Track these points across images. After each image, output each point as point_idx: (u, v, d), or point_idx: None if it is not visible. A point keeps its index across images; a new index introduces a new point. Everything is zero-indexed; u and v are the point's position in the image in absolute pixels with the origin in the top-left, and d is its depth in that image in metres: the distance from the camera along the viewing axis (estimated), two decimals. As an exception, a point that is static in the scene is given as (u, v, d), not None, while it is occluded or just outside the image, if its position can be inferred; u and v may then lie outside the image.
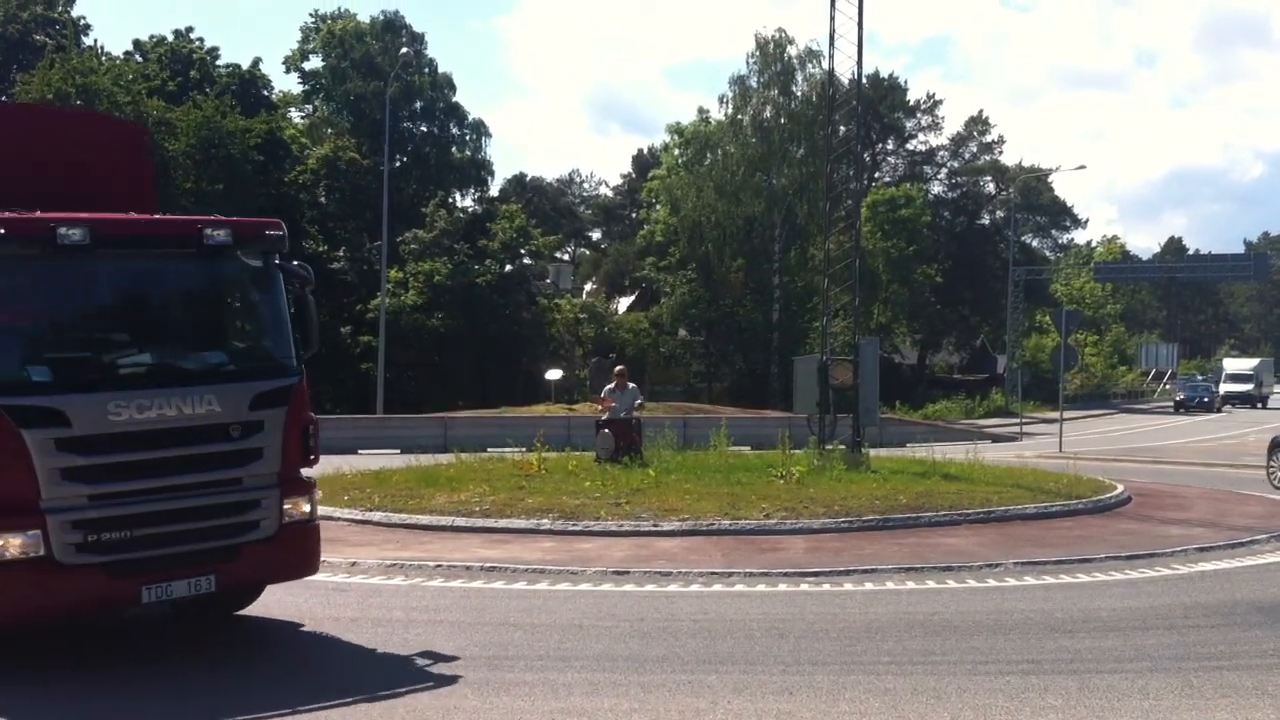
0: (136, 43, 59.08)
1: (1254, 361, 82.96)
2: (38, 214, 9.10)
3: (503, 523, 16.30)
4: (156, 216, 10.31)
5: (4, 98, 50.45)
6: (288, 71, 71.04)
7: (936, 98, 78.70)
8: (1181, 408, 66.83)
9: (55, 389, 8.86)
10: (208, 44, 59.48)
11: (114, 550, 8.92)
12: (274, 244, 10.08)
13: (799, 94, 60.10)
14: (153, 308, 9.98)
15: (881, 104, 73.07)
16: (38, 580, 8.60)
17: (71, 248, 8.90)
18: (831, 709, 8.33)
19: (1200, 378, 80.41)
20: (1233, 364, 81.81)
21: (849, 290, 25.39)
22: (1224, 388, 72.94)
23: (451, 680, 9.05)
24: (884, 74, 76.12)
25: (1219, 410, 66.35)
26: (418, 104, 67.39)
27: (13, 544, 8.54)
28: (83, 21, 60.77)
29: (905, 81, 79.15)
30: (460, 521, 16.42)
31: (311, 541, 10.24)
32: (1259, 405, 71.35)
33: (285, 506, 9.83)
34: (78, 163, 10.67)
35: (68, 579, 8.71)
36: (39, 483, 8.65)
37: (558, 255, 75.55)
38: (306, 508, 10.10)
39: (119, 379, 9.24)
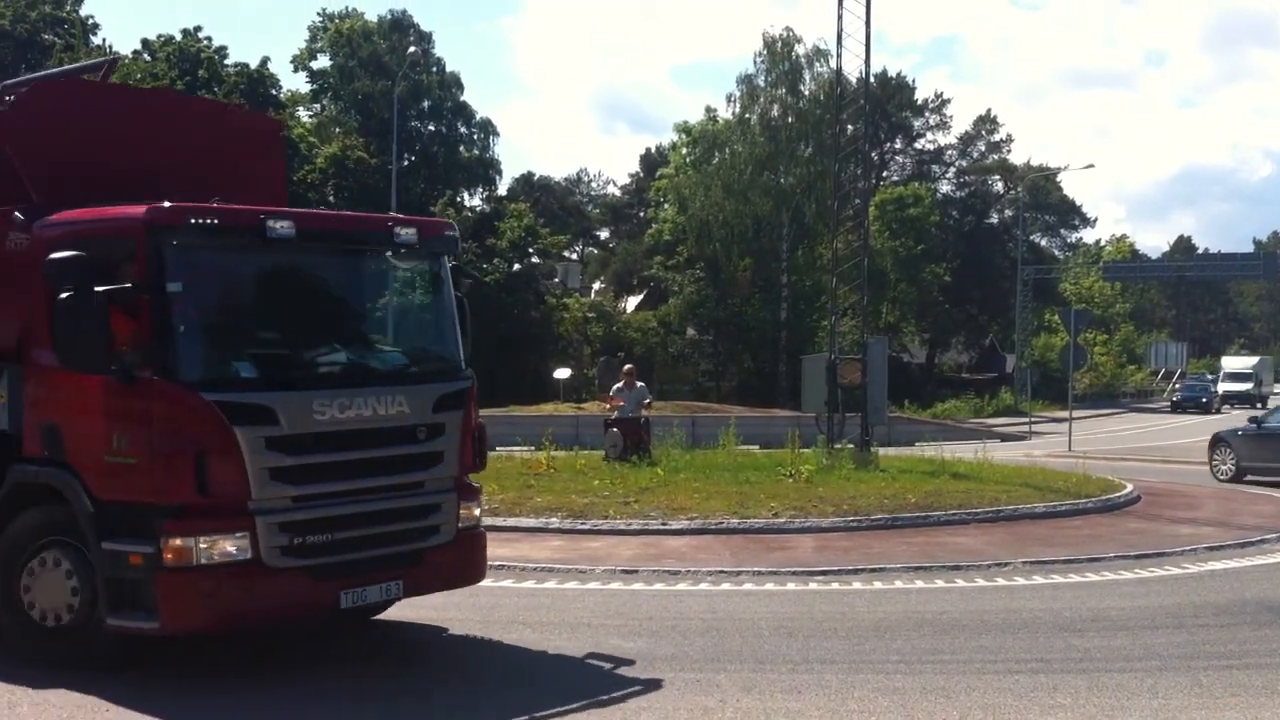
0: (145, 42, 59.04)
1: (1253, 360, 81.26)
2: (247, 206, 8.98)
3: (511, 521, 16.31)
4: (347, 213, 10.26)
5: (12, 98, 50.52)
6: (296, 71, 71.14)
7: (944, 97, 79.11)
8: (1178, 408, 66.09)
9: (263, 385, 8.64)
10: (216, 43, 59.43)
11: (316, 554, 8.68)
12: (450, 245, 10.00)
13: (807, 93, 59.98)
14: (343, 305, 9.81)
15: (889, 103, 73.00)
16: (246, 584, 8.36)
17: (277, 241, 8.73)
18: (840, 708, 8.33)
19: (1210, 376, 79.80)
20: (1231, 362, 79.93)
21: (857, 289, 25.40)
22: (1222, 387, 71.15)
23: (462, 677, 9.07)
24: (892, 73, 76.20)
25: (1217, 410, 65.39)
26: (425, 103, 67.41)
27: (224, 546, 8.29)
28: (91, 21, 60.95)
29: (913, 80, 79.90)
30: (469, 520, 16.41)
31: (481, 548, 10.13)
32: (1259, 405, 69.06)
33: (460, 511, 9.70)
34: (220, 156, 10.51)
35: (274, 583, 8.48)
36: (249, 483, 8.39)
37: (566, 254, 75.54)
38: (477, 513, 10.03)
39: (317, 377, 9.06)
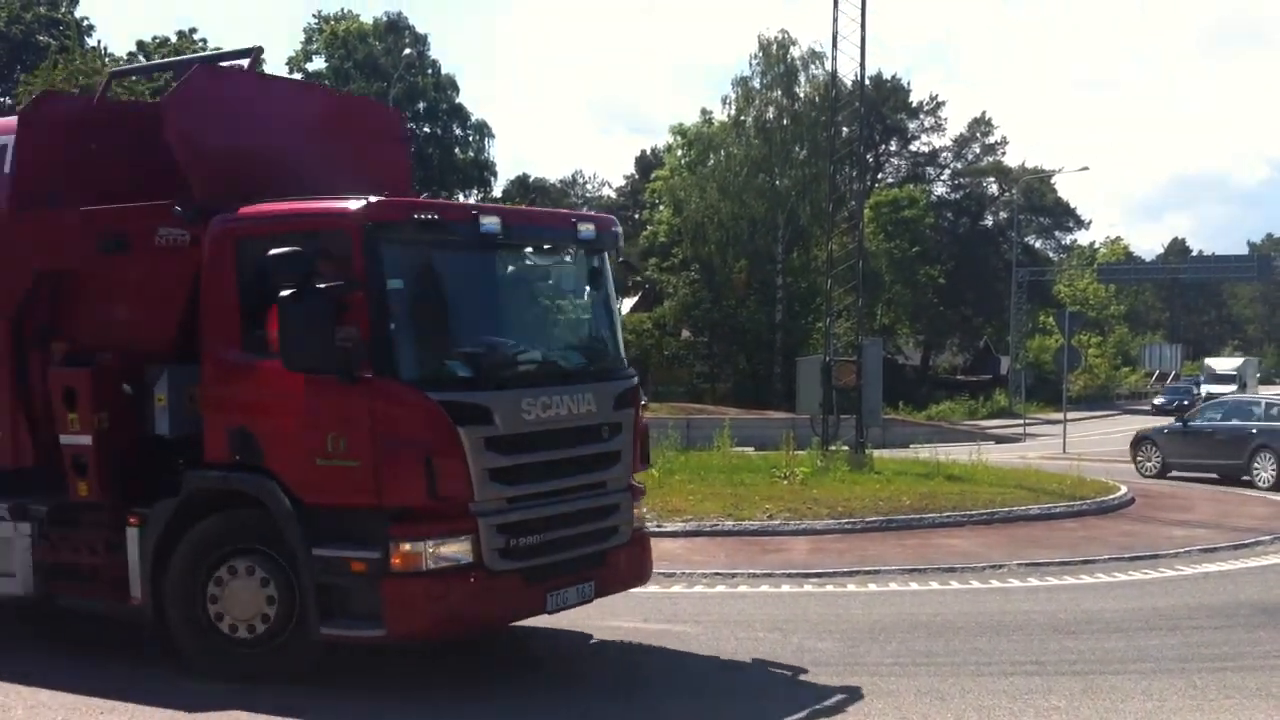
0: (140, 43, 58.99)
1: (1238, 361, 79.14)
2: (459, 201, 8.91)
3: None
4: (537, 208, 10.11)
5: (7, 99, 50.45)
6: (291, 72, 70.93)
7: (939, 99, 78.69)
8: (1161, 411, 65.28)
9: (478, 385, 8.45)
10: (211, 45, 59.40)
11: (528, 556, 8.52)
12: (614, 241, 9.90)
13: (802, 95, 59.97)
14: (533, 301, 9.65)
15: (884, 105, 72.98)
16: (470, 588, 8.18)
17: (485, 236, 8.61)
18: (835, 710, 8.32)
19: (1203, 378, 79.34)
20: (1216, 364, 77.34)
21: (852, 291, 25.40)
22: (1206, 389, 66.84)
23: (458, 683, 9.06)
24: (886, 75, 75.96)
25: None
26: (421, 105, 67.39)
27: (450, 549, 8.12)
28: (86, 22, 60.65)
29: (908, 83, 79.20)
30: (463, 522, 16.38)
31: (648, 548, 10.02)
32: None
33: (634, 511, 9.61)
34: (352, 148, 10.27)
35: (494, 586, 8.30)
36: (472, 484, 8.21)
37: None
38: (645, 512, 9.94)
39: (519, 375, 8.89)
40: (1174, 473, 25.82)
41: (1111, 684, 8.97)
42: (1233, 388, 68.42)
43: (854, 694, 8.67)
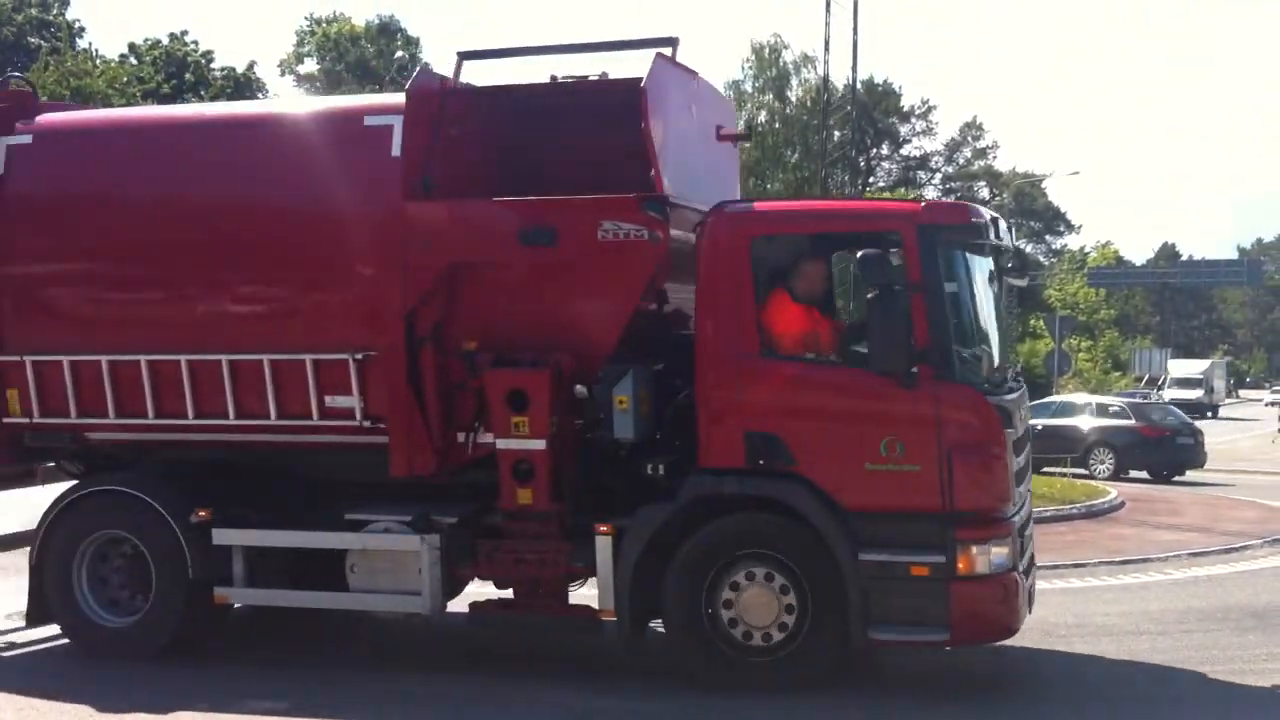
0: (131, 45, 58.90)
1: (1204, 364, 77.02)
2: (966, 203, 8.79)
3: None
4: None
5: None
6: (283, 74, 70.90)
7: (931, 103, 78.84)
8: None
9: (999, 388, 8.54)
10: (202, 47, 59.33)
11: (1020, 557, 8.46)
12: None
13: (794, 99, 60.06)
14: (993, 307, 9.44)
15: (876, 109, 73.06)
16: (1011, 591, 8.13)
17: (999, 240, 8.65)
18: (826, 715, 8.34)
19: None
20: (1179, 367, 73.26)
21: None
22: (1169, 394, 62.06)
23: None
24: (878, 79, 76.11)
25: None
26: (413, 108, 67.37)
27: (1000, 553, 8.04)
28: (78, 24, 60.71)
29: (899, 87, 79.19)
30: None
31: None
32: (1209, 415, 60.60)
33: None
34: (708, 141, 9.94)
35: (1020, 589, 8.25)
36: (1010, 486, 8.22)
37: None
38: None
39: (1004, 380, 8.94)
40: None
41: (1101, 687, 8.99)
42: (1198, 392, 65.40)
43: (843, 697, 8.68)
